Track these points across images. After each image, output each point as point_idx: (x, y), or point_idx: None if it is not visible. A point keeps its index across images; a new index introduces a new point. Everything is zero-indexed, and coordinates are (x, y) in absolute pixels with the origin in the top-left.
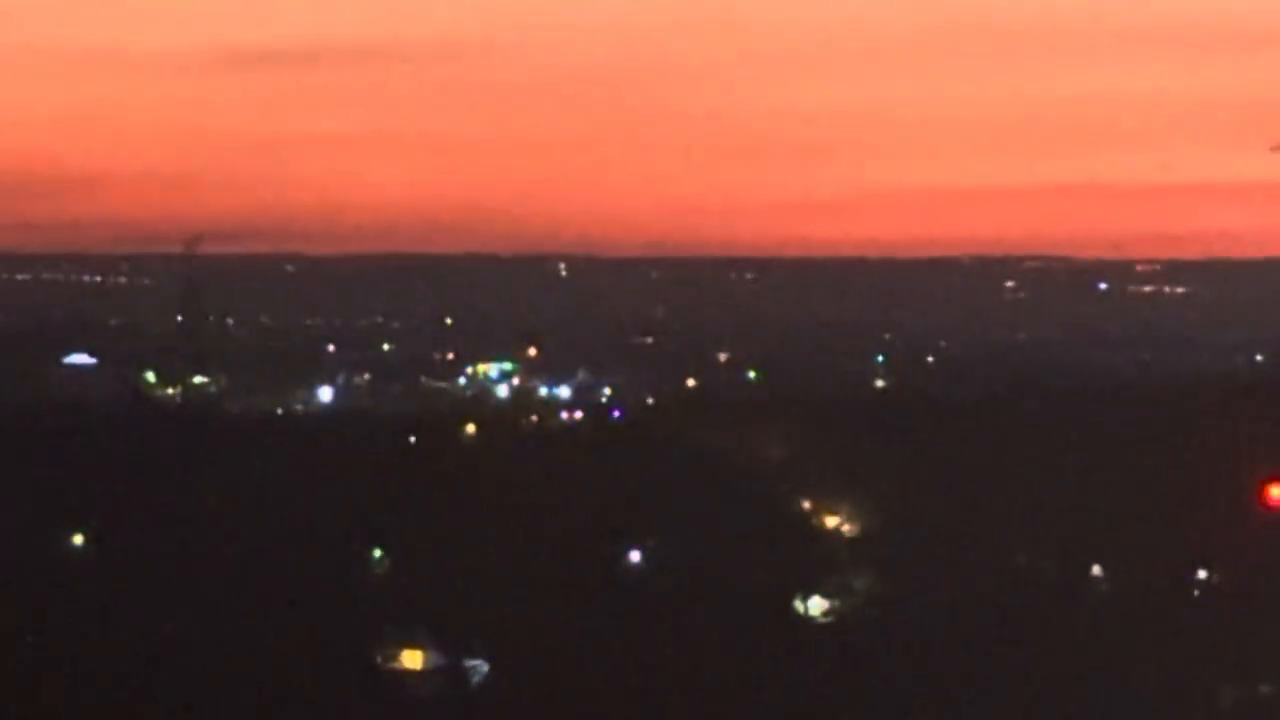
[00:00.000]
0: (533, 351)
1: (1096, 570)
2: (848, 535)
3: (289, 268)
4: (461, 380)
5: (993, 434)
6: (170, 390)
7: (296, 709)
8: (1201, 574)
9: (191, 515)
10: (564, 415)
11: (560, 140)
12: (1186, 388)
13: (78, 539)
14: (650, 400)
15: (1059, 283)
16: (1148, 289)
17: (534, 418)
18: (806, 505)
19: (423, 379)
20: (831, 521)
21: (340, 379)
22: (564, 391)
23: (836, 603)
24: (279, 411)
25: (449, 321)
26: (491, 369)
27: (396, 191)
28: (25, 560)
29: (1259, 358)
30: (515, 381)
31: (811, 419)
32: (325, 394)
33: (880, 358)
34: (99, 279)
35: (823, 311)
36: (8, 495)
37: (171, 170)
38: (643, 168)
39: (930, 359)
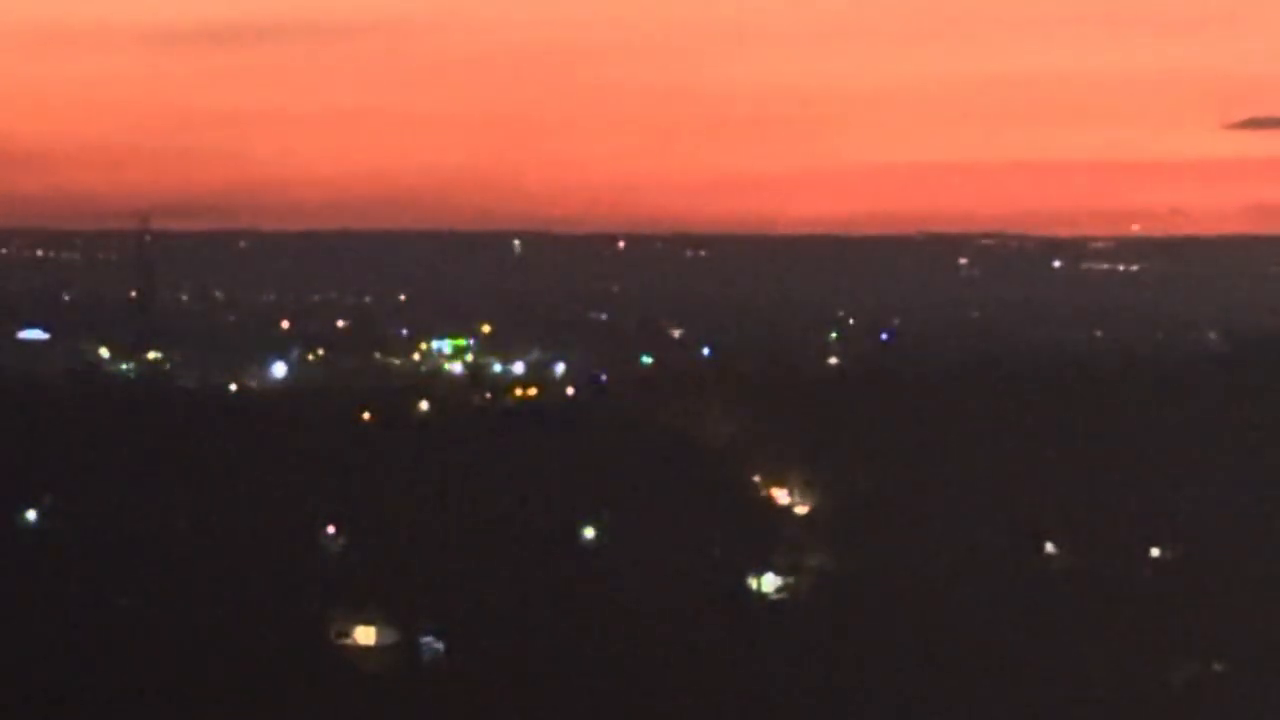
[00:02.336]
0: (486, 328)
1: (1050, 547)
2: (801, 512)
3: (243, 243)
4: (415, 356)
5: (946, 411)
6: (124, 365)
7: (250, 683)
8: (1155, 552)
9: (144, 490)
10: (517, 392)
11: (515, 117)
12: (1140, 364)
13: (31, 514)
14: (604, 377)
15: (1013, 259)
16: (1102, 266)
17: (488, 394)
18: (760, 482)
19: (376, 355)
20: (785, 499)
21: (294, 355)
22: (518, 368)
23: (790, 580)
24: (232, 387)
25: (403, 298)
26: (445, 345)
27: (351, 167)
28: None
29: (1212, 334)
30: (469, 358)
31: (765, 396)
32: (279, 369)
33: (834, 335)
34: (52, 254)
35: (777, 289)
36: None
37: (125, 146)
38: (597, 145)
39: (884, 336)
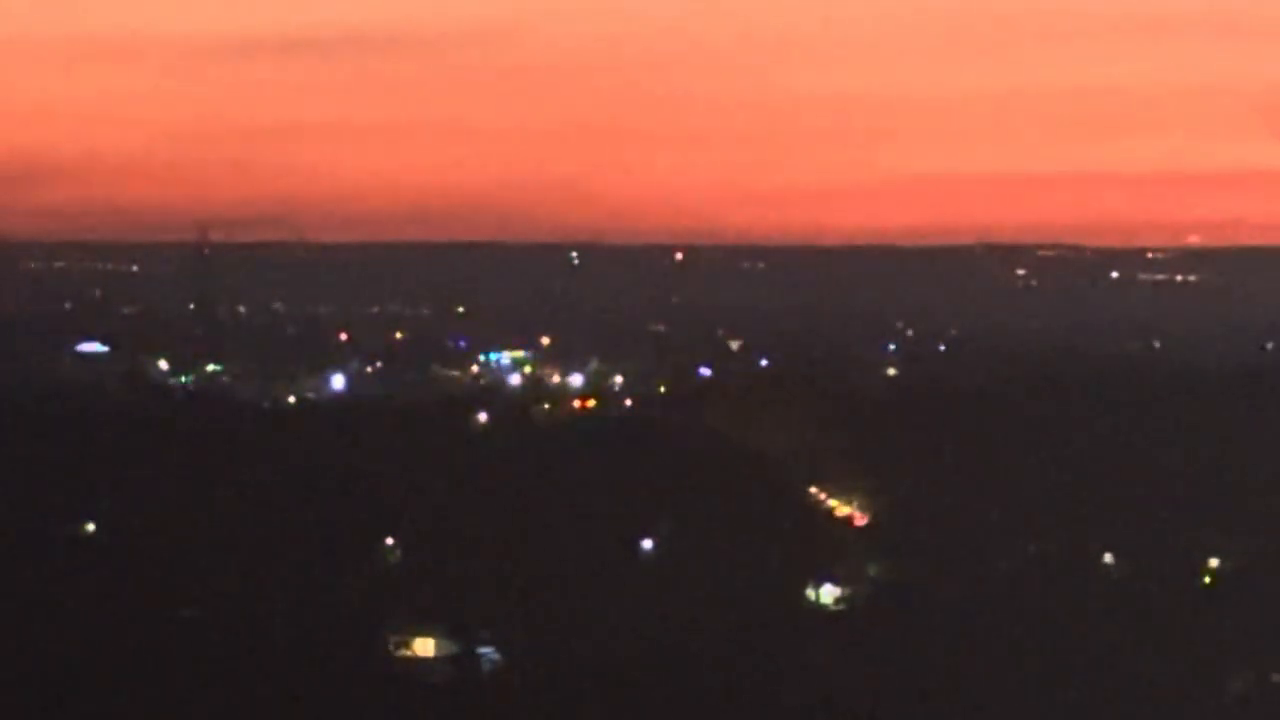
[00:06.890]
0: (545, 340)
1: (1108, 558)
2: (860, 523)
3: (301, 255)
4: (474, 368)
5: (1004, 421)
6: (183, 378)
7: (309, 695)
8: (1213, 561)
9: (203, 502)
10: (576, 404)
11: (572, 129)
12: (1198, 375)
13: (90, 526)
14: (662, 388)
15: (1071, 270)
16: (1159, 277)
17: (546, 406)
18: (818, 493)
19: (434, 367)
20: (843, 509)
21: (352, 367)
22: (576, 380)
23: (848, 590)
24: (291, 399)
25: (461, 310)
26: (504, 357)
27: (408, 179)
28: (39, 546)
29: (1269, 345)
30: (527, 370)
31: (823, 407)
32: (337, 381)
33: (892, 345)
34: (111, 267)
35: (835, 299)
36: (22, 481)
37: (184, 159)
38: (655, 156)
39: (942, 347)
